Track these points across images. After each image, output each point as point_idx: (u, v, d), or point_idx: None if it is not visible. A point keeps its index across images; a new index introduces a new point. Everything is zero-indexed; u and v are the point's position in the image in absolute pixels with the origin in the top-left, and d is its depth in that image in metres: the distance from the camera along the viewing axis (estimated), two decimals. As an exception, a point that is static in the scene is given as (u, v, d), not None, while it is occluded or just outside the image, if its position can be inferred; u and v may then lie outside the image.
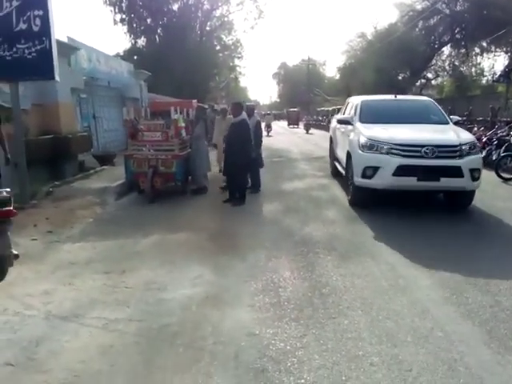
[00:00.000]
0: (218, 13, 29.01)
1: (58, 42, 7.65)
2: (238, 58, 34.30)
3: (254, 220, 6.01)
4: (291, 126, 39.74)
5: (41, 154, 8.07)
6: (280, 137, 25.79)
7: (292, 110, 44.75)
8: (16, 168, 6.33)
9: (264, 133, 10.61)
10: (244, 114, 7.02)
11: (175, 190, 7.77)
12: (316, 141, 22.73)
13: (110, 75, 13.34)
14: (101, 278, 3.89)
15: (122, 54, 26.64)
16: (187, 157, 7.64)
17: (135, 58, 25.49)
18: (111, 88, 13.62)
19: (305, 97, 55.15)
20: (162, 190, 7.47)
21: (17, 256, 3.45)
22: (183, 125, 7.79)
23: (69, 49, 9.88)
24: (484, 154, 11.02)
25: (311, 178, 9.67)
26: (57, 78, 6.43)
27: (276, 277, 3.91)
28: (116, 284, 3.76)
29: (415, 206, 6.64)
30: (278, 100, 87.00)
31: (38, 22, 6.13)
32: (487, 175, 9.75)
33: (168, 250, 4.67)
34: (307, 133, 29.23)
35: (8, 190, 3.37)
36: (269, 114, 32.69)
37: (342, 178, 7.81)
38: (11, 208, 3.23)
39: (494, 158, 10.38)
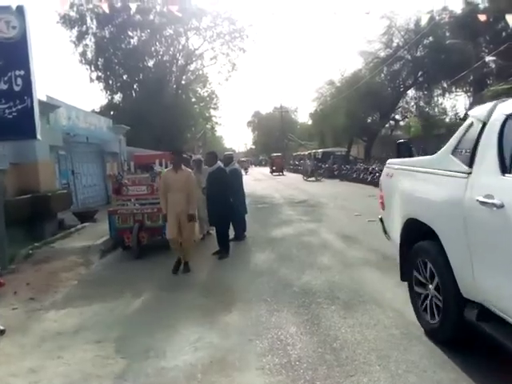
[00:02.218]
0: (192, 67, 29.91)
1: (38, 101, 7.60)
2: (214, 108, 35.10)
3: (249, 271, 5.81)
4: (275, 174, 33.57)
5: (19, 215, 7.74)
6: (262, 183, 25.95)
7: (275, 155, 38.81)
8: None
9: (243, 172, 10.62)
10: (219, 163, 6.97)
11: (162, 244, 7.51)
12: (296, 185, 23.00)
13: (89, 131, 13.32)
14: (92, 348, 3.57)
15: (98, 110, 26.84)
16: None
17: (112, 113, 25.70)
18: (90, 144, 13.53)
19: (279, 143, 56.52)
20: (149, 245, 7.20)
21: (2, 331, 3.13)
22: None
23: (48, 107, 9.84)
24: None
25: (298, 223, 9.60)
26: (39, 137, 6.31)
27: (282, 333, 3.69)
28: (110, 354, 3.44)
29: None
30: (254, 147, 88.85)
31: (19, 81, 6.08)
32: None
33: (162, 311, 4.39)
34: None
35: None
36: (244, 161, 33.76)
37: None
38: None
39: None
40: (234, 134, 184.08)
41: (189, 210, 5.75)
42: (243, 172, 10.17)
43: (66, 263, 6.17)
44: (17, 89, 6.05)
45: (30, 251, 6.75)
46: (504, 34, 24.45)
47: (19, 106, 6.03)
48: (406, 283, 4.72)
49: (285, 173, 31.00)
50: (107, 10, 11.86)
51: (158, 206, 6.99)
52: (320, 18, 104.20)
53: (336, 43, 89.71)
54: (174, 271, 5.80)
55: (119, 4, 22.84)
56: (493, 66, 26.15)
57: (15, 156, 8.71)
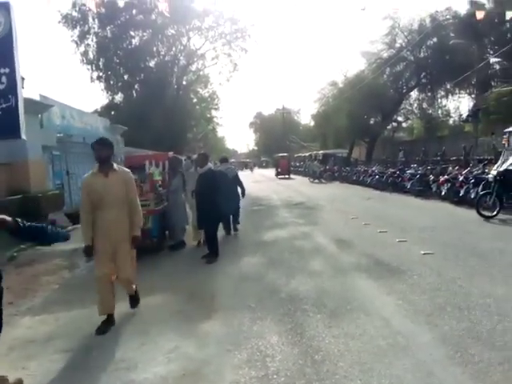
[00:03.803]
0: (193, 67, 29.77)
1: (30, 100, 7.46)
2: (215, 109, 34.97)
3: (237, 276, 5.62)
4: (281, 177, 30.53)
5: (8, 216, 7.59)
6: (261, 185, 25.79)
7: (281, 155, 35.44)
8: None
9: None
10: (210, 164, 6.87)
11: (151, 246, 7.34)
12: (295, 187, 22.82)
13: (85, 131, 13.20)
14: (62, 358, 3.40)
15: (99, 110, 26.75)
16: (163, 211, 7.30)
17: (112, 113, 25.60)
18: (86, 144, 13.39)
19: (282, 144, 56.35)
20: (137, 248, 7.01)
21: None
22: (159, 178, 7.52)
23: (41, 106, 9.71)
24: (462, 192, 11.13)
25: (292, 225, 9.42)
26: (23, 136, 6.16)
27: (262, 343, 3.50)
28: (78, 365, 3.27)
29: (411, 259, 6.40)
30: (256, 148, 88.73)
31: (3, 79, 5.95)
32: (468, 214, 9.78)
33: (141, 317, 4.22)
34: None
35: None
36: (249, 162, 33.13)
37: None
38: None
39: (472, 197, 10.43)
40: (236, 135, 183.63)
41: (134, 231, 4.12)
42: (245, 171, 10.21)
43: (49, 266, 6.02)
44: (1, 87, 5.92)
45: (15, 253, 6.61)
46: (509, 35, 24.19)
47: (3, 105, 5.90)
48: (396, 291, 4.55)
49: (294, 176, 29.47)
50: (95, 9, 11.66)
51: (147, 208, 6.84)
52: (323, 19, 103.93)
53: (339, 44, 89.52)
54: (98, 331, 3.81)
55: (121, 4, 22.83)
56: (497, 67, 25.89)
57: (6, 155, 8.58)
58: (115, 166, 4.17)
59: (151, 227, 6.80)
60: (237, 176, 8.86)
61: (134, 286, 4.41)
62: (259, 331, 3.75)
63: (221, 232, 7.50)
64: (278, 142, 57.84)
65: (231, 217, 8.45)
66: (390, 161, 24.07)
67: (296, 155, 45.82)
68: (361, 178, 21.03)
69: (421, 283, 4.87)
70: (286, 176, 31.13)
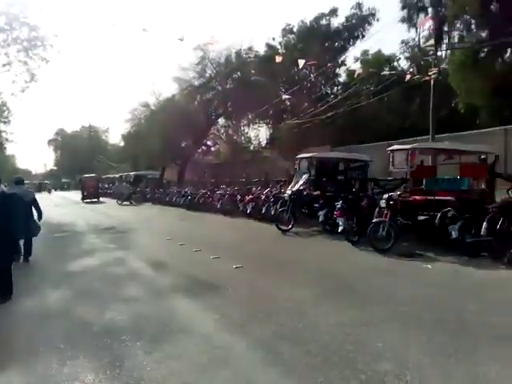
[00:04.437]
0: (-25, 72, 24.93)
1: None
2: (4, 122, 29.94)
3: (38, 314, 4.84)
4: (88, 200, 27.91)
5: None
6: (64, 209, 23.22)
7: (88, 176, 32.24)
8: None
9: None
10: (1, 187, 6.06)
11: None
12: (105, 210, 21.47)
13: None
14: None
15: None
16: None
17: None
18: None
19: (88, 164, 52.34)
20: None
21: None
22: None
23: None
24: (264, 210, 12.50)
25: (103, 251, 8.77)
26: None
27: (74, 386, 3.10)
28: None
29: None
30: (55, 168, 79.84)
31: None
32: (270, 228, 11.03)
33: None
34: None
35: None
36: (47, 183, 29.11)
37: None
38: None
39: (272, 213, 11.83)
40: (31, 153, 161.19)
41: None
42: (42, 193, 8.87)
43: None
44: None
45: None
46: (296, 77, 28.83)
47: None
48: (213, 306, 4.73)
49: (101, 199, 27.47)
50: None
51: None
52: (135, 39, 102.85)
53: (151, 66, 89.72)
54: None
55: None
56: (288, 103, 30.48)
57: None
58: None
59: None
60: (35, 200, 7.77)
61: None
62: (71, 373, 3.31)
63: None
64: (84, 162, 53.62)
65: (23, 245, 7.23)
66: (202, 182, 25.21)
67: (104, 176, 43.20)
68: (174, 199, 21.30)
69: (234, 296, 5.20)
70: (95, 199, 28.75)
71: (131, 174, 31.81)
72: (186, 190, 21.06)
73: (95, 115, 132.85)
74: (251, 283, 5.72)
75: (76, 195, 30.58)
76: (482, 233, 6.57)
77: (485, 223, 6.55)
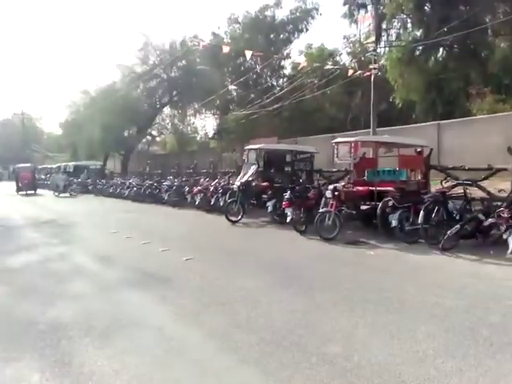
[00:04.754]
0: None
1: None
2: None
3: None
4: (23, 193, 25.71)
5: None
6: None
7: (22, 166, 29.04)
8: None
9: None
10: None
11: None
12: (43, 202, 20.29)
13: None
14: None
15: None
16: None
17: None
18: None
19: (20, 154, 48.82)
20: None
21: None
22: None
23: None
24: (213, 201, 12.48)
25: (44, 247, 8.31)
26: None
27: (20, 388, 2.96)
28: None
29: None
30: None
31: None
32: (219, 220, 11.04)
33: None
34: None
35: None
36: None
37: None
38: None
39: (221, 205, 11.84)
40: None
41: None
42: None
43: None
44: None
45: None
46: (242, 68, 28.80)
47: None
48: (165, 298, 4.69)
49: (39, 191, 25.84)
50: None
51: None
52: (75, 21, 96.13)
53: (91, 51, 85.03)
54: None
55: None
56: (234, 94, 30.41)
57: None
58: None
59: None
60: None
61: None
62: (15, 375, 3.15)
63: None
64: (17, 152, 49.98)
65: None
66: (147, 173, 24.56)
67: (41, 167, 40.58)
68: (118, 190, 20.57)
69: (187, 287, 5.18)
70: (31, 191, 26.57)
71: (70, 164, 30.18)
72: (131, 181, 20.42)
73: (29, 102, 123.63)
74: (203, 274, 5.73)
75: (10, 187, 28.40)
76: (419, 221, 7.05)
77: (421, 212, 7.04)
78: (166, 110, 34.11)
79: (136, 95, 30.88)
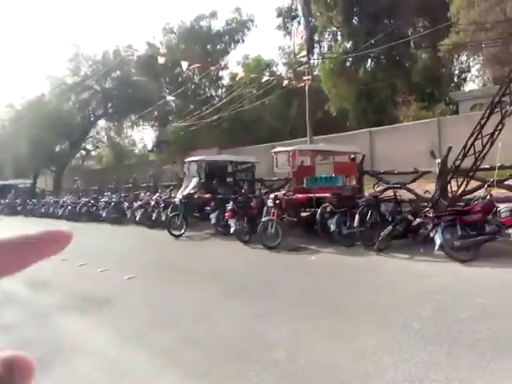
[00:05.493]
0: None
1: None
2: None
3: None
4: None
5: None
6: None
7: None
8: None
9: None
10: None
11: None
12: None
13: None
14: None
15: None
16: None
17: None
18: None
19: None
20: None
21: None
22: None
23: None
24: (155, 216, 12.19)
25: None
26: None
27: None
28: None
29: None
30: None
31: None
32: (161, 235, 10.80)
33: None
34: None
35: None
36: None
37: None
38: None
39: (163, 219, 11.60)
40: None
41: None
42: None
43: None
44: None
45: None
46: (180, 78, 28.58)
47: None
48: (106, 321, 4.52)
49: None
50: None
51: None
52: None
53: (16, 61, 79.73)
54: None
55: None
56: (173, 105, 30.05)
57: None
58: None
59: None
60: None
61: None
62: None
63: None
64: None
65: None
66: (83, 189, 23.43)
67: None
68: (51, 210, 19.37)
69: (129, 307, 5.03)
70: None
71: (-4, 183, 27.98)
72: (65, 199, 19.34)
73: None
74: (146, 292, 5.59)
75: None
76: (355, 224, 7.42)
77: (357, 215, 7.41)
78: (101, 122, 32.87)
79: (67, 108, 29.46)
